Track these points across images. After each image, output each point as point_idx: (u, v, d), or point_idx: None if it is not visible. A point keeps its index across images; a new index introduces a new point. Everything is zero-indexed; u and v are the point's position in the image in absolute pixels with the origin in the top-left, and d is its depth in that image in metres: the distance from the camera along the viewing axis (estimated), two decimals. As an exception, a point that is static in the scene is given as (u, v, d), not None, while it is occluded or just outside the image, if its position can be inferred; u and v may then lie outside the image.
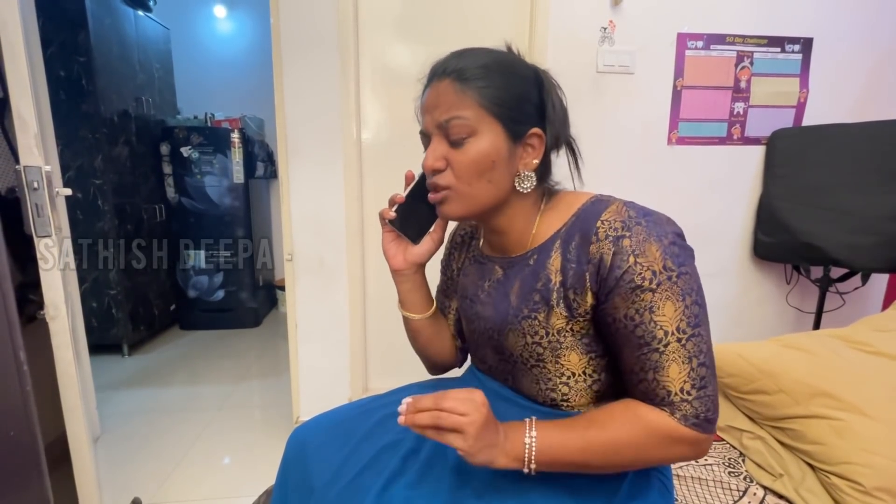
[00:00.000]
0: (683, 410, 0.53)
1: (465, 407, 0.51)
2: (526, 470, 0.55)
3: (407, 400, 0.54)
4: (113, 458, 1.64)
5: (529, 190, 0.63)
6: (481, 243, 0.76)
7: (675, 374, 0.53)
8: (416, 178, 0.68)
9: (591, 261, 0.56)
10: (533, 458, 0.54)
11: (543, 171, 0.65)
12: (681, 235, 0.57)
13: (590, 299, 0.57)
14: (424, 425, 0.52)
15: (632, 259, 0.53)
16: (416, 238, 0.71)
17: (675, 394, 0.53)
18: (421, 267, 0.74)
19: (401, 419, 0.53)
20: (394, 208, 0.69)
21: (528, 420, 0.57)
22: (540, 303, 0.61)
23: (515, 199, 0.64)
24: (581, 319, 0.59)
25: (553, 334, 0.60)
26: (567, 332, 0.60)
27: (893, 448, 0.82)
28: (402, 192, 0.69)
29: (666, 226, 0.56)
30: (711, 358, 0.55)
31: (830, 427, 0.87)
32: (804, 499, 0.85)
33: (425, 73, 0.64)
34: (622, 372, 0.59)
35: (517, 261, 0.66)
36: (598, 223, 0.57)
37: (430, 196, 0.64)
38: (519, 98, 0.60)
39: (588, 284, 0.57)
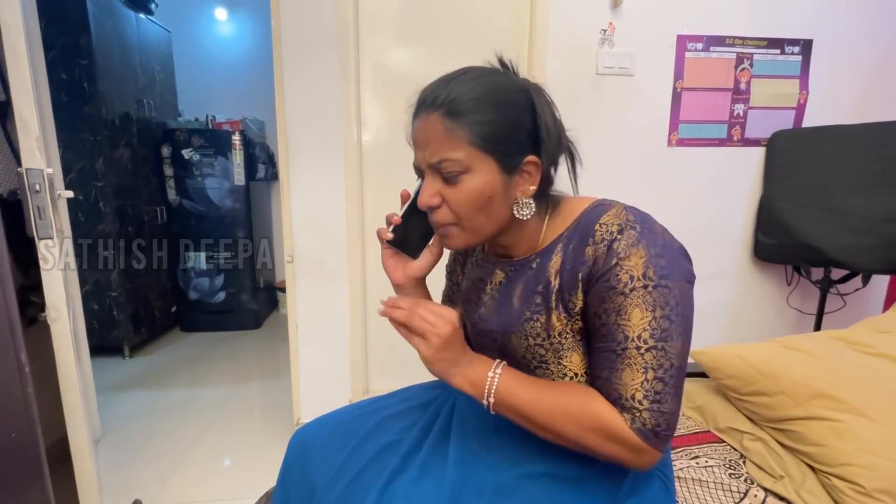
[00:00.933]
0: (632, 414, 0.53)
1: (435, 319, 0.57)
2: (485, 402, 0.58)
3: (389, 298, 0.61)
4: (114, 460, 1.65)
5: (529, 216, 0.62)
6: (486, 247, 0.76)
7: (628, 380, 0.53)
8: (412, 195, 0.68)
9: (585, 262, 0.57)
10: (493, 391, 0.58)
11: (543, 187, 0.64)
12: (678, 250, 0.57)
13: (582, 298, 0.58)
14: (398, 320, 0.58)
15: (615, 261, 0.55)
16: (414, 254, 0.71)
17: (626, 399, 0.53)
18: (422, 280, 0.74)
19: (380, 309, 0.60)
20: (391, 228, 0.69)
21: (497, 360, 0.61)
22: (541, 305, 0.61)
23: (518, 221, 0.64)
24: (578, 319, 0.60)
25: (554, 336, 0.61)
26: (567, 333, 0.60)
27: (894, 450, 0.82)
28: (398, 205, 0.69)
29: (660, 236, 0.56)
30: (676, 377, 0.54)
31: (831, 428, 0.87)
32: (805, 500, 0.85)
33: (413, 101, 0.62)
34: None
35: (520, 264, 0.66)
36: (597, 226, 0.58)
37: (437, 232, 0.66)
38: (511, 130, 0.58)
39: (581, 284, 0.58)
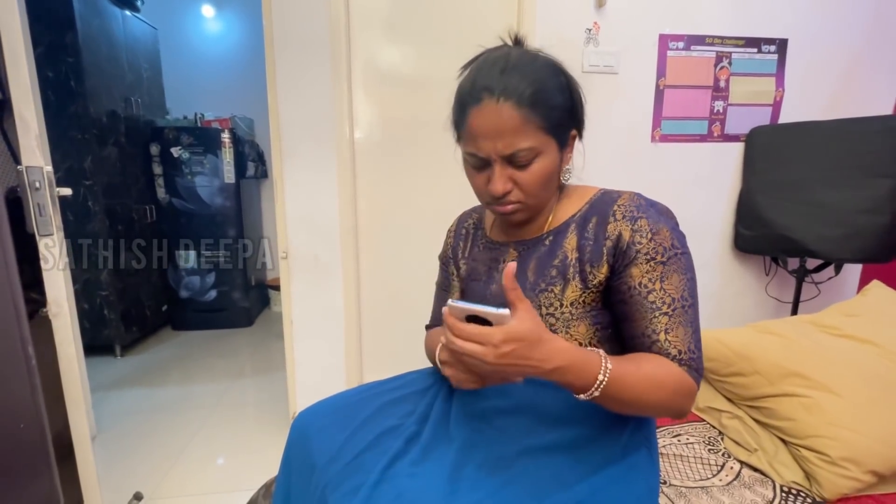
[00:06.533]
0: (691, 365, 0.61)
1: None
2: (584, 396, 0.56)
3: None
4: (110, 457, 1.65)
5: (570, 179, 0.73)
6: (489, 231, 0.80)
7: (682, 335, 0.62)
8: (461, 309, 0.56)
9: (609, 237, 0.65)
10: (603, 385, 0.55)
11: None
12: (677, 222, 0.69)
13: (605, 271, 0.65)
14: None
15: (649, 236, 0.63)
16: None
17: (684, 352, 0.61)
18: None
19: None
20: None
21: (596, 351, 0.58)
22: (557, 277, 0.67)
23: None
24: (594, 291, 0.66)
25: (566, 306, 0.66)
26: (579, 303, 0.66)
27: (857, 422, 0.89)
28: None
29: (669, 214, 0.69)
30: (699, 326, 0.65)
31: (800, 404, 0.94)
32: (776, 470, 0.91)
33: (467, 90, 0.64)
34: (630, 338, 0.65)
35: (532, 243, 0.72)
36: (615, 207, 0.66)
37: (501, 209, 0.68)
38: (565, 111, 0.67)
39: (605, 258, 0.65)
